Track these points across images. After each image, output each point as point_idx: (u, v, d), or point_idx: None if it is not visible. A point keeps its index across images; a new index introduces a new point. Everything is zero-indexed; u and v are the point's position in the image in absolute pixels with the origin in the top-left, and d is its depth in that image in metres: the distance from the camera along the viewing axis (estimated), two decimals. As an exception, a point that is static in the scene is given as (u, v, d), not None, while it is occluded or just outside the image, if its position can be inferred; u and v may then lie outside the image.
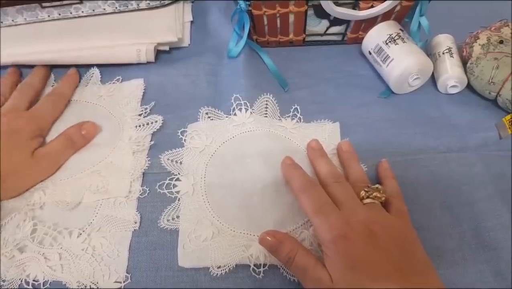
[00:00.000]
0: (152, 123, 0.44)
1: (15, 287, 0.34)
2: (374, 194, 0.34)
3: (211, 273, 0.34)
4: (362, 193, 0.34)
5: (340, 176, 0.36)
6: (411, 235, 0.32)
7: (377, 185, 0.34)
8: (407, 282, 0.27)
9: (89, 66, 0.49)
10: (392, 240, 0.30)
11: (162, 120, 0.44)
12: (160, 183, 0.39)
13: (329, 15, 0.46)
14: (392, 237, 0.30)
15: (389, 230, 0.31)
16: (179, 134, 0.43)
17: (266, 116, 0.44)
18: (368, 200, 0.33)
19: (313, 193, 0.34)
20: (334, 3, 0.45)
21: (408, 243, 0.31)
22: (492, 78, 0.42)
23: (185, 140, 0.42)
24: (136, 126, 0.43)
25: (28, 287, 0.34)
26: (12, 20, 0.50)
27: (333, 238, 0.30)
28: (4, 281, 0.34)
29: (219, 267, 0.34)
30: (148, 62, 0.49)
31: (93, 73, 0.49)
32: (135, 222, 0.37)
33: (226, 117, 0.44)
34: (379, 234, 0.30)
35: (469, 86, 0.46)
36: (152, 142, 0.42)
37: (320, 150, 0.40)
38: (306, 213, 0.33)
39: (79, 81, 0.48)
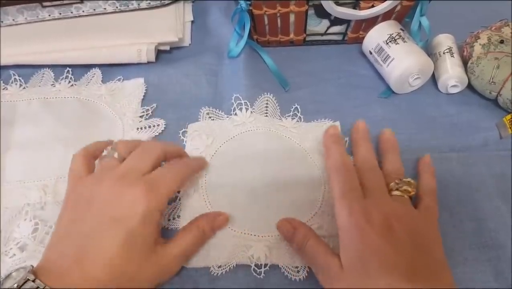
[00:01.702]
0: (154, 126, 0.44)
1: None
2: (404, 187, 0.33)
3: (212, 273, 0.34)
4: (392, 184, 0.34)
5: (375, 165, 0.36)
6: (432, 234, 0.32)
7: (409, 179, 0.34)
8: (416, 279, 0.27)
9: (89, 66, 0.49)
10: (409, 235, 0.30)
11: (164, 125, 0.44)
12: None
13: (330, 14, 0.46)
14: (410, 233, 0.30)
15: (409, 226, 0.30)
16: (180, 134, 0.43)
17: (266, 116, 0.44)
18: (396, 192, 0.33)
19: (344, 175, 0.34)
20: (335, 2, 0.45)
21: (426, 241, 0.30)
22: (492, 78, 0.42)
23: (185, 140, 0.42)
24: (138, 128, 0.43)
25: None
26: (13, 20, 0.50)
27: (350, 225, 0.30)
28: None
29: (219, 267, 0.34)
30: (149, 62, 0.49)
31: (94, 73, 0.49)
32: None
33: (227, 117, 0.44)
34: (397, 228, 0.30)
35: (469, 86, 0.46)
36: (153, 142, 0.42)
37: (364, 133, 0.39)
38: (332, 193, 0.33)
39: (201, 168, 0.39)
